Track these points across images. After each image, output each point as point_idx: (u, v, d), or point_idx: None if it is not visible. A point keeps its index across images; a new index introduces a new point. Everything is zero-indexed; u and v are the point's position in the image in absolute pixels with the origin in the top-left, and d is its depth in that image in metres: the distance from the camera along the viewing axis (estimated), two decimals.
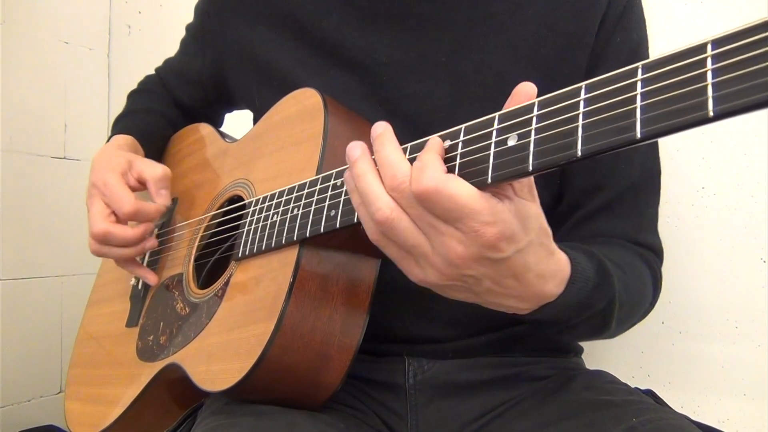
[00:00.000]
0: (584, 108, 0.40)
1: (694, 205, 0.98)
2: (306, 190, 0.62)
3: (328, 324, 0.62)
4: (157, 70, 1.04)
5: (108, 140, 0.92)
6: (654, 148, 0.74)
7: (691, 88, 0.34)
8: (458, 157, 0.46)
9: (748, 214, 0.95)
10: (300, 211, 0.61)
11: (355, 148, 0.50)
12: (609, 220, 0.71)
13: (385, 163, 0.48)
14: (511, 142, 0.43)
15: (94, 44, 1.72)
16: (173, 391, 0.80)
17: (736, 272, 0.95)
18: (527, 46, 0.70)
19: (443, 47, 0.72)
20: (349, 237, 0.59)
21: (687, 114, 0.34)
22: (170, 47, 1.01)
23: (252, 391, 0.62)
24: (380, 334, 0.68)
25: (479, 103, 0.71)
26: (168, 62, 1.02)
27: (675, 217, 0.96)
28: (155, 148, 0.97)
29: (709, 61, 0.33)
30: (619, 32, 0.70)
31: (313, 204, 0.60)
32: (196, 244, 0.82)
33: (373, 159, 0.50)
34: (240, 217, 0.73)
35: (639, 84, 0.37)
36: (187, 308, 0.77)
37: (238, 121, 0.98)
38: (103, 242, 0.80)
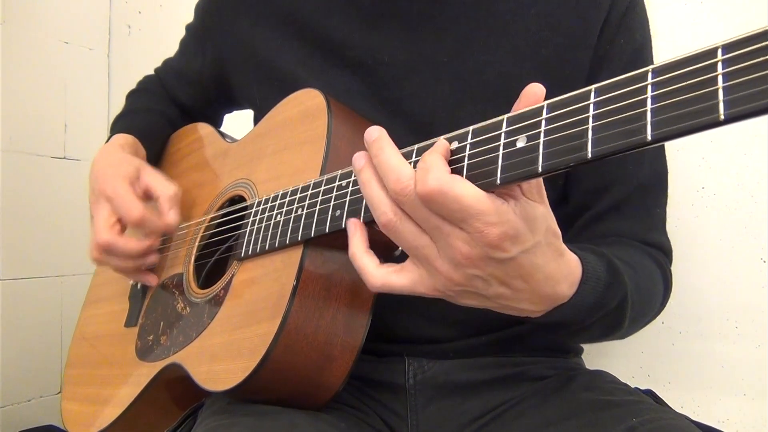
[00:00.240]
0: (594, 111, 0.40)
1: (694, 205, 0.99)
2: (310, 191, 0.62)
3: (331, 324, 0.62)
4: (156, 70, 1.04)
5: (108, 140, 0.91)
6: (661, 149, 0.74)
7: (703, 92, 0.34)
8: (466, 158, 0.46)
9: (748, 214, 0.95)
10: (304, 212, 0.61)
11: (360, 158, 0.51)
12: (617, 221, 0.71)
13: (386, 168, 0.48)
14: (521, 144, 0.43)
15: (94, 44, 1.72)
16: (173, 391, 0.80)
17: (736, 272, 0.96)
18: (529, 47, 0.70)
19: (445, 47, 0.72)
20: None
21: (698, 117, 0.34)
22: (170, 47, 1.01)
23: (255, 391, 0.62)
24: (381, 334, 0.68)
25: (481, 103, 0.71)
26: (167, 62, 1.02)
27: (675, 217, 0.96)
28: (156, 148, 0.97)
29: (719, 65, 0.34)
30: (622, 33, 0.70)
31: (318, 204, 0.60)
32: (197, 243, 0.82)
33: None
34: (242, 218, 0.73)
35: (649, 87, 0.37)
36: (187, 308, 0.77)
37: (238, 121, 0.98)
38: (105, 253, 0.80)
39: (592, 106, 0.40)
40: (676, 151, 0.96)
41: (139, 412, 0.80)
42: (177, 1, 1.63)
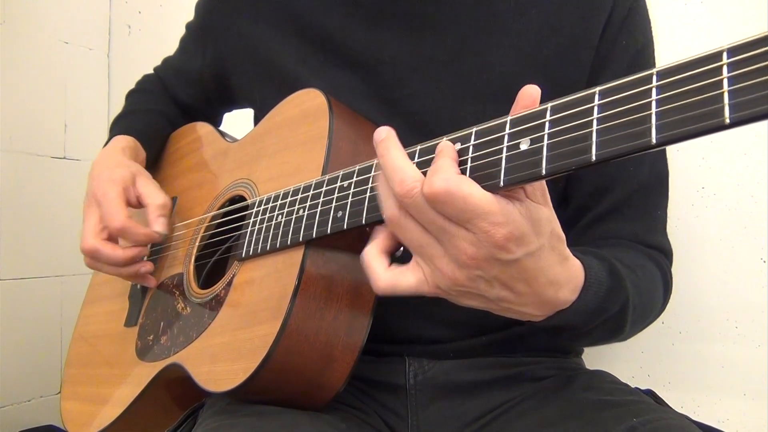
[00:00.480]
0: (598, 114, 0.40)
1: (694, 205, 0.99)
2: (312, 191, 0.62)
3: (332, 325, 0.62)
4: (155, 69, 1.03)
5: (108, 141, 0.91)
6: (663, 151, 0.74)
7: (708, 95, 0.34)
8: (469, 160, 0.46)
9: (748, 214, 0.95)
10: (306, 212, 0.61)
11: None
12: (618, 222, 0.71)
13: (391, 169, 0.48)
14: (524, 146, 0.43)
15: (94, 44, 1.72)
16: (173, 391, 0.80)
17: (736, 272, 0.96)
18: (530, 47, 0.70)
19: (446, 47, 0.72)
20: (356, 238, 0.59)
21: (703, 121, 0.34)
22: (170, 47, 1.00)
23: (256, 391, 0.62)
24: (381, 334, 0.68)
25: (482, 103, 0.71)
26: (167, 61, 1.02)
27: (675, 217, 0.96)
28: (156, 148, 0.97)
29: (725, 68, 0.34)
30: (625, 34, 0.70)
31: (320, 205, 0.60)
32: (197, 243, 0.82)
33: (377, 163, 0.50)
34: (242, 218, 0.73)
35: (654, 90, 0.37)
36: (188, 308, 0.77)
37: (238, 121, 0.98)
38: (92, 258, 0.80)
39: (596, 109, 0.40)
40: (676, 151, 0.96)
41: (139, 412, 0.80)
42: (177, 1, 1.63)
